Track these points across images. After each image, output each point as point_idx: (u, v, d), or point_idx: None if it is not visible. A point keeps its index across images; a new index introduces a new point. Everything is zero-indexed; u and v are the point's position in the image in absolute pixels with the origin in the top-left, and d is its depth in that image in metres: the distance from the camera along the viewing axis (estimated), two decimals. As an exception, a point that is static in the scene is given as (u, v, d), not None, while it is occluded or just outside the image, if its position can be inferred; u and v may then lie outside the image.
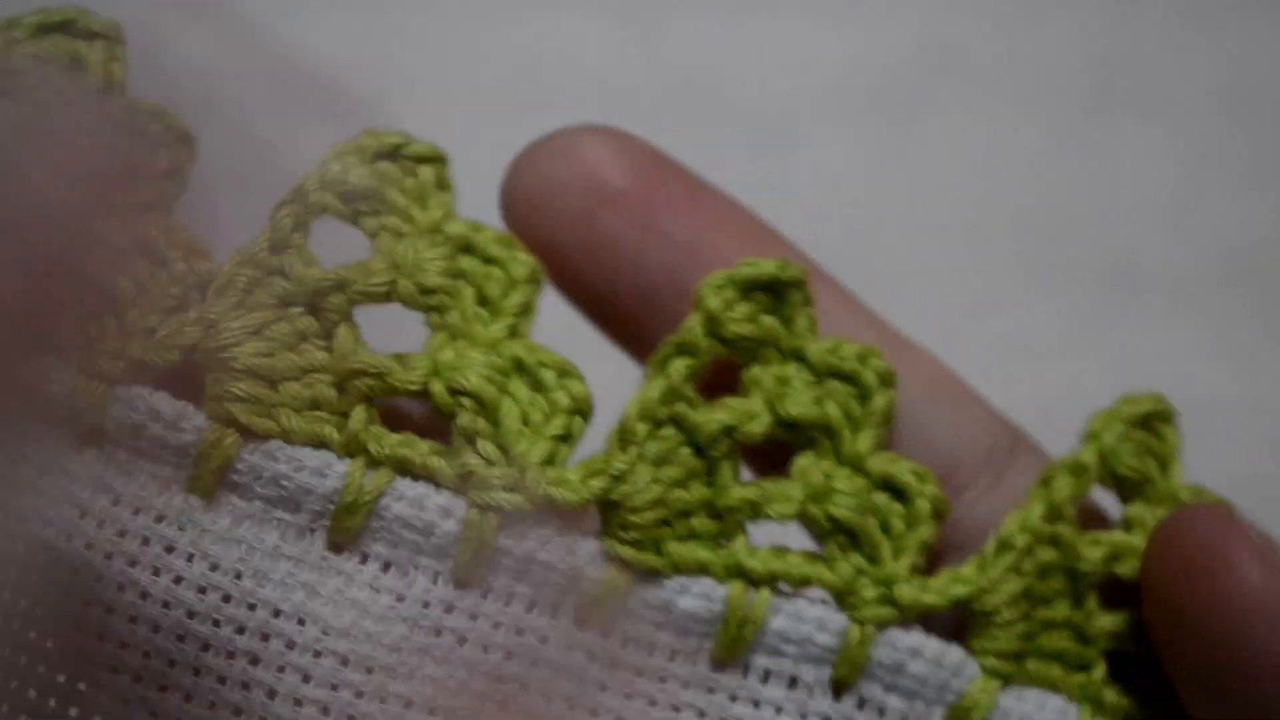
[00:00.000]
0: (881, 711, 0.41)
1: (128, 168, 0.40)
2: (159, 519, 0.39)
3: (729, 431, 0.41)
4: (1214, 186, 0.87)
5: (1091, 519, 0.45)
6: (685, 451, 0.41)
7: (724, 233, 0.44)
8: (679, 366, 0.41)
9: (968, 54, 0.89)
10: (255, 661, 0.39)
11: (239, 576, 0.39)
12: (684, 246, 0.44)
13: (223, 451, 0.39)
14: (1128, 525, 0.44)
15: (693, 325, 0.41)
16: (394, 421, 0.41)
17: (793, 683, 0.41)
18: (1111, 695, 0.43)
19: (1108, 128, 0.88)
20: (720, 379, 0.43)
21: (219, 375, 0.39)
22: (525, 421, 0.41)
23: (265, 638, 0.39)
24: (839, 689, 0.41)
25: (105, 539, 0.39)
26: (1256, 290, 0.85)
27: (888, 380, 0.43)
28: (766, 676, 0.41)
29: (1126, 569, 0.43)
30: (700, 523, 0.41)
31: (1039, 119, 0.88)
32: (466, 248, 0.42)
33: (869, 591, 0.41)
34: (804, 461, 0.42)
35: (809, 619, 0.41)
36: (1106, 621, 0.43)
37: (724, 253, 0.43)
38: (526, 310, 0.42)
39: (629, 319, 0.45)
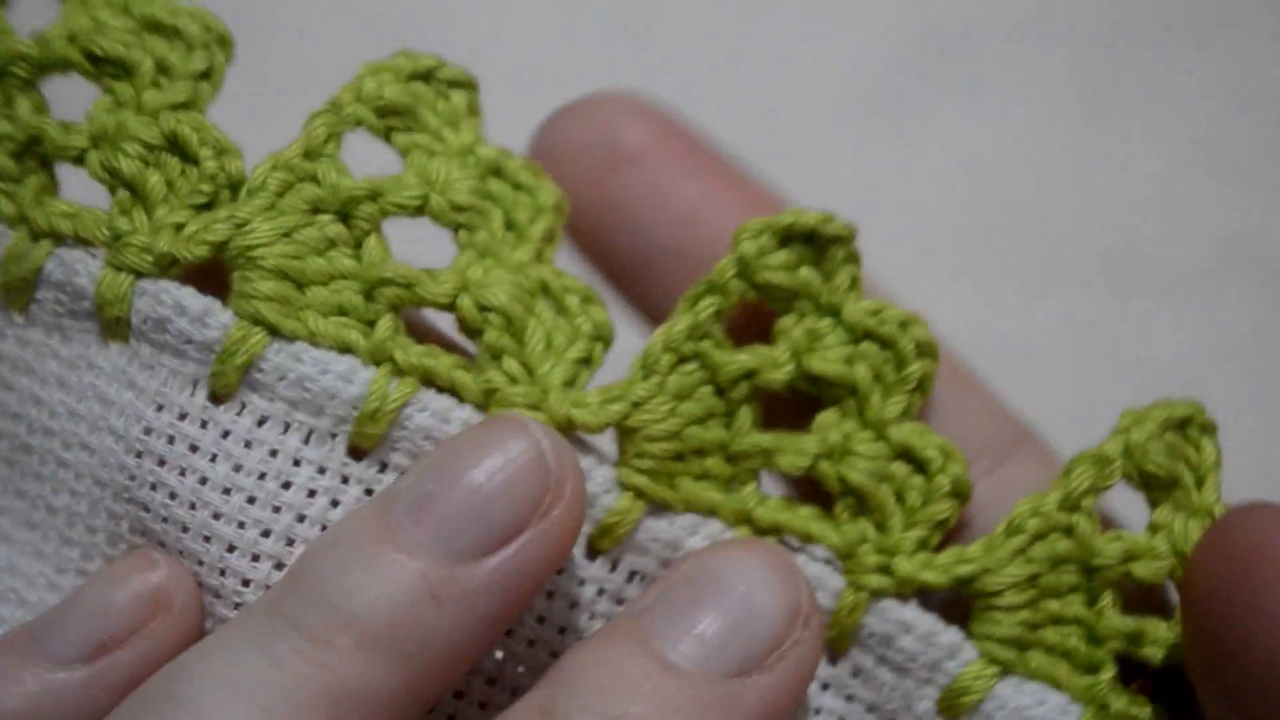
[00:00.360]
0: (874, 682, 0.41)
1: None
2: (182, 416, 0.39)
3: (750, 375, 0.41)
4: (1213, 186, 0.87)
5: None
6: (706, 390, 0.41)
7: (731, 200, 0.45)
8: (707, 304, 0.41)
9: (966, 54, 0.89)
10: (280, 566, 0.39)
11: (263, 477, 0.39)
12: (689, 210, 0.45)
13: (249, 348, 0.39)
14: (1153, 529, 0.42)
15: (725, 267, 0.41)
16: (419, 336, 0.41)
17: None
18: (1119, 701, 0.41)
19: (1106, 128, 0.88)
20: (759, 327, 0.43)
21: (247, 273, 0.39)
22: (549, 343, 0.41)
23: (290, 542, 0.39)
24: (834, 653, 0.41)
25: (134, 436, 0.39)
26: (1256, 289, 0.85)
27: (927, 351, 0.42)
28: None
29: (1145, 570, 0.41)
30: (715, 464, 0.41)
31: (1038, 119, 0.89)
32: (496, 171, 0.42)
33: (870, 558, 0.41)
34: (825, 418, 0.42)
35: (807, 575, 0.41)
36: (1121, 624, 0.41)
37: (728, 219, 0.43)
38: (551, 237, 0.42)
39: (635, 278, 0.45)
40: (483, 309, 0.40)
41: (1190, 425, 0.43)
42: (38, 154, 0.41)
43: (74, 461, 0.41)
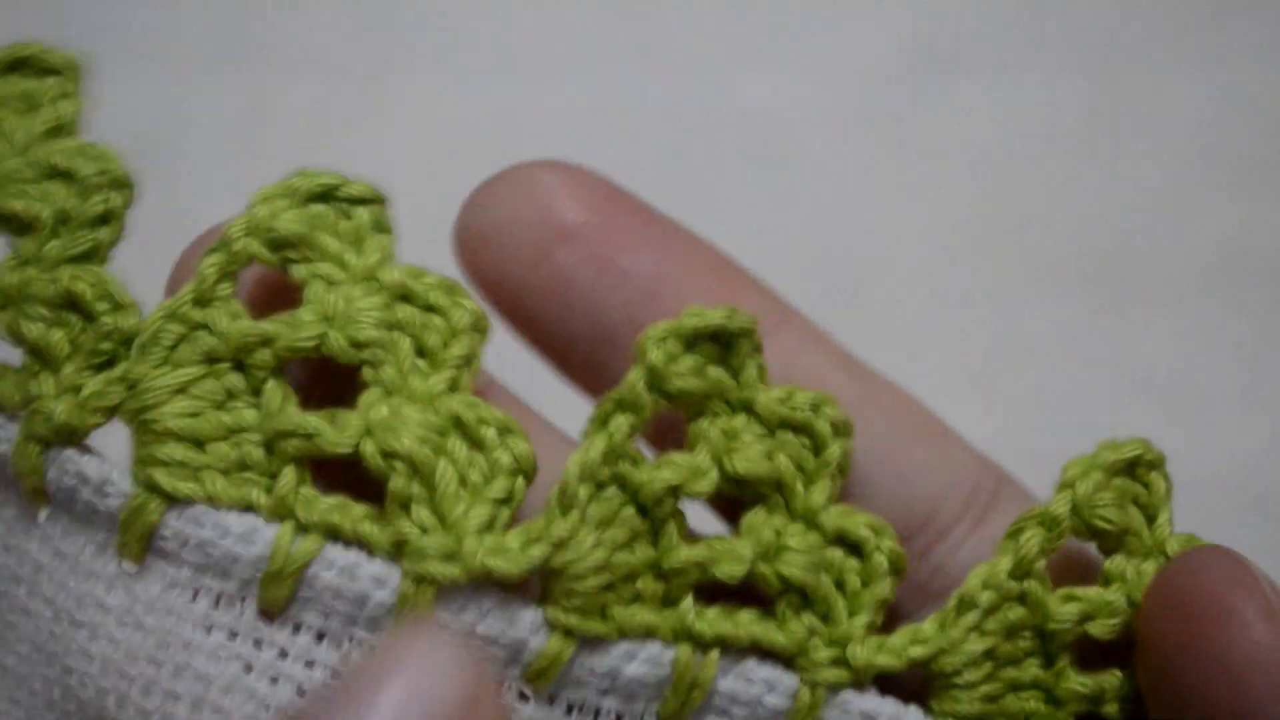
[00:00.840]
0: None
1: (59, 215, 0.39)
2: (109, 587, 0.38)
3: (674, 491, 0.39)
4: (1213, 189, 0.87)
5: (1073, 566, 0.42)
6: (629, 511, 0.39)
7: (686, 270, 0.42)
8: (621, 424, 0.39)
9: (964, 57, 0.89)
10: None
11: (167, 646, 0.38)
12: (644, 285, 0.42)
13: (145, 518, 0.38)
14: (1106, 579, 0.41)
15: (635, 380, 0.39)
16: (335, 473, 0.39)
17: None
18: None
19: (1106, 130, 0.88)
20: (667, 420, 0.41)
21: (143, 438, 0.38)
22: (464, 482, 0.38)
23: (199, 708, 0.38)
24: None
25: (62, 601, 0.39)
26: (1254, 293, 0.85)
27: (843, 430, 0.40)
28: None
29: (1101, 629, 0.41)
30: (646, 584, 0.39)
31: (1038, 119, 0.89)
32: (405, 296, 0.40)
33: (821, 653, 0.39)
34: (754, 518, 0.40)
35: (758, 680, 0.39)
36: (1080, 684, 0.41)
37: (686, 291, 0.41)
38: (469, 361, 0.40)
39: (587, 361, 0.43)
40: (387, 455, 0.38)
41: (1138, 465, 0.41)
42: None
43: (17, 624, 0.40)
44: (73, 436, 0.38)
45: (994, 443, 0.47)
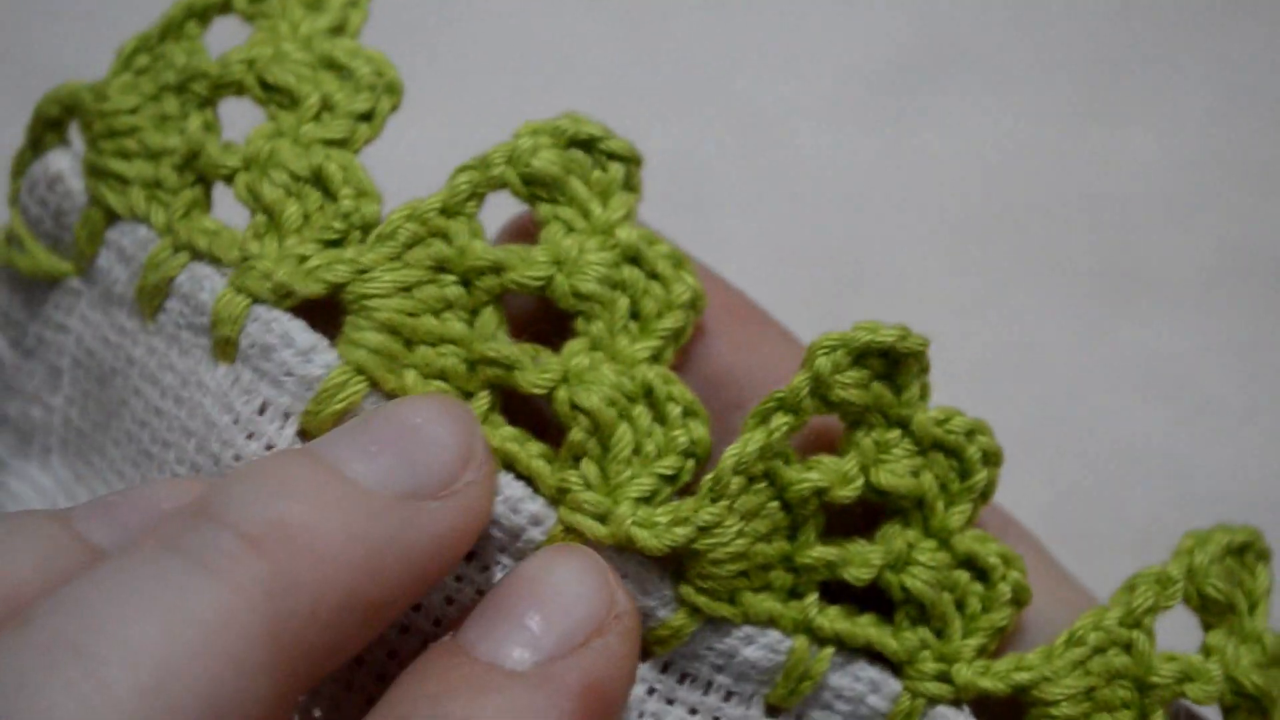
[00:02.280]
0: None
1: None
2: (269, 447, 0.39)
3: (820, 493, 0.40)
4: (1214, 187, 0.87)
5: None
6: (774, 506, 0.40)
7: (710, 313, 0.43)
8: (780, 423, 0.40)
9: (967, 53, 0.89)
10: None
11: None
12: None
13: (346, 396, 0.39)
14: (1207, 651, 0.43)
15: (800, 384, 0.40)
16: (524, 399, 0.41)
17: None
18: None
19: (1107, 127, 0.88)
20: (816, 432, 0.42)
21: (359, 320, 0.39)
22: (638, 450, 0.40)
23: None
24: None
25: (226, 461, 0.40)
26: (1256, 289, 0.85)
27: (992, 459, 0.42)
28: None
29: (1199, 693, 0.42)
30: (777, 576, 0.41)
31: (1038, 119, 0.89)
32: (634, 258, 0.41)
33: (929, 666, 0.41)
34: (890, 528, 0.41)
35: (864, 679, 0.41)
36: None
37: (707, 322, 0.43)
38: (678, 336, 0.41)
39: None
40: (574, 407, 0.40)
41: (1248, 551, 0.43)
42: (196, 169, 0.42)
43: (182, 476, 0.41)
44: (285, 299, 0.40)
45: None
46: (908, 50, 0.89)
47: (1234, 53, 0.89)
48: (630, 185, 0.42)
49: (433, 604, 0.39)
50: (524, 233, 0.43)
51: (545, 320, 0.42)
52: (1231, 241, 0.85)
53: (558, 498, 0.39)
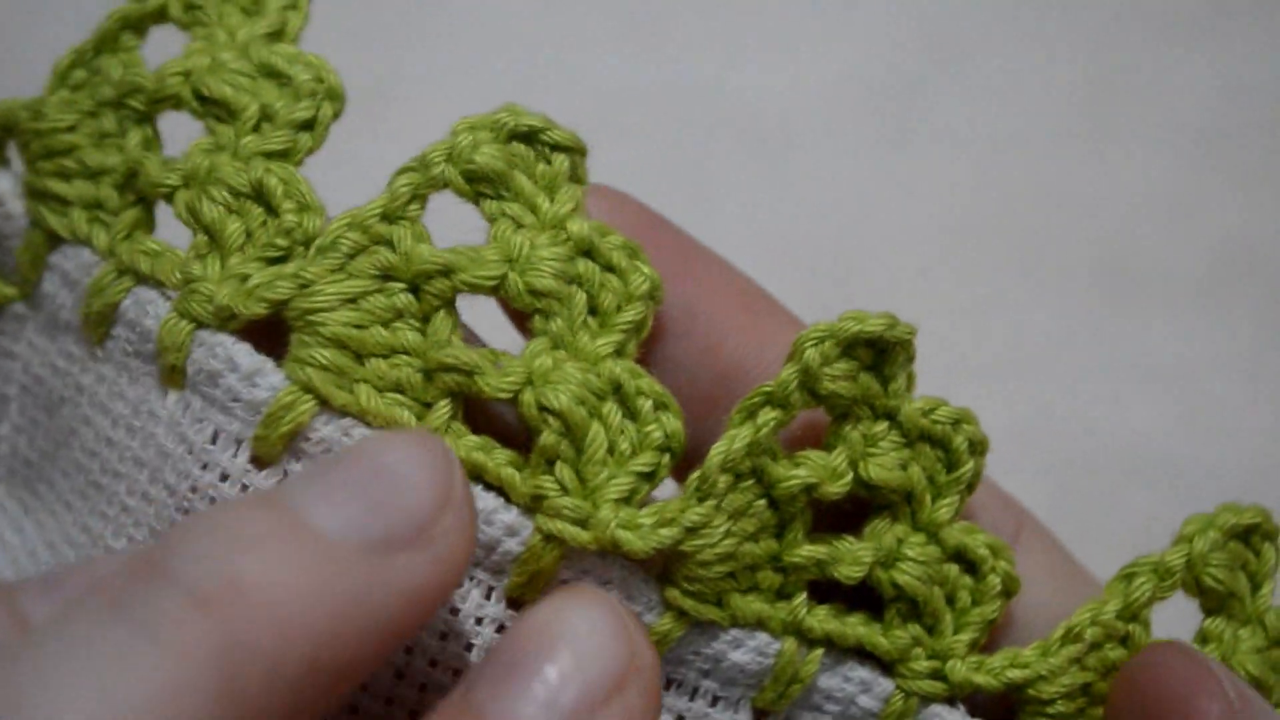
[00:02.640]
0: None
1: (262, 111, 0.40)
2: (223, 477, 0.38)
3: (809, 489, 0.39)
4: (1213, 188, 0.87)
5: None
6: (761, 504, 0.39)
7: (719, 297, 0.42)
8: (768, 419, 0.39)
9: (967, 56, 0.89)
10: None
11: None
12: (679, 310, 0.42)
13: (295, 416, 0.38)
14: (1204, 638, 0.42)
15: (788, 378, 0.39)
16: (482, 407, 0.39)
17: None
18: None
19: (1106, 130, 0.88)
20: (802, 426, 0.41)
21: (304, 337, 0.38)
22: (612, 450, 0.38)
23: None
24: None
25: (182, 492, 0.38)
26: (1255, 290, 0.84)
27: (978, 448, 0.41)
28: None
29: None
30: (765, 576, 0.39)
31: (1038, 120, 0.88)
32: (588, 251, 0.40)
33: (921, 664, 0.40)
34: (879, 524, 0.40)
35: (855, 679, 0.40)
36: None
37: (719, 317, 0.42)
38: (639, 328, 0.40)
39: None
40: (542, 409, 0.38)
41: (1255, 533, 0.42)
42: (137, 188, 0.40)
43: (134, 508, 0.40)
44: (229, 322, 0.38)
45: (994, 440, 0.47)
46: (907, 51, 0.89)
47: (1233, 53, 0.88)
48: (576, 177, 0.41)
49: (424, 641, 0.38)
50: None
51: None
52: (1231, 241, 0.85)
53: (533, 505, 0.38)
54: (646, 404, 0.39)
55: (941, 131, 0.87)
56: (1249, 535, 0.42)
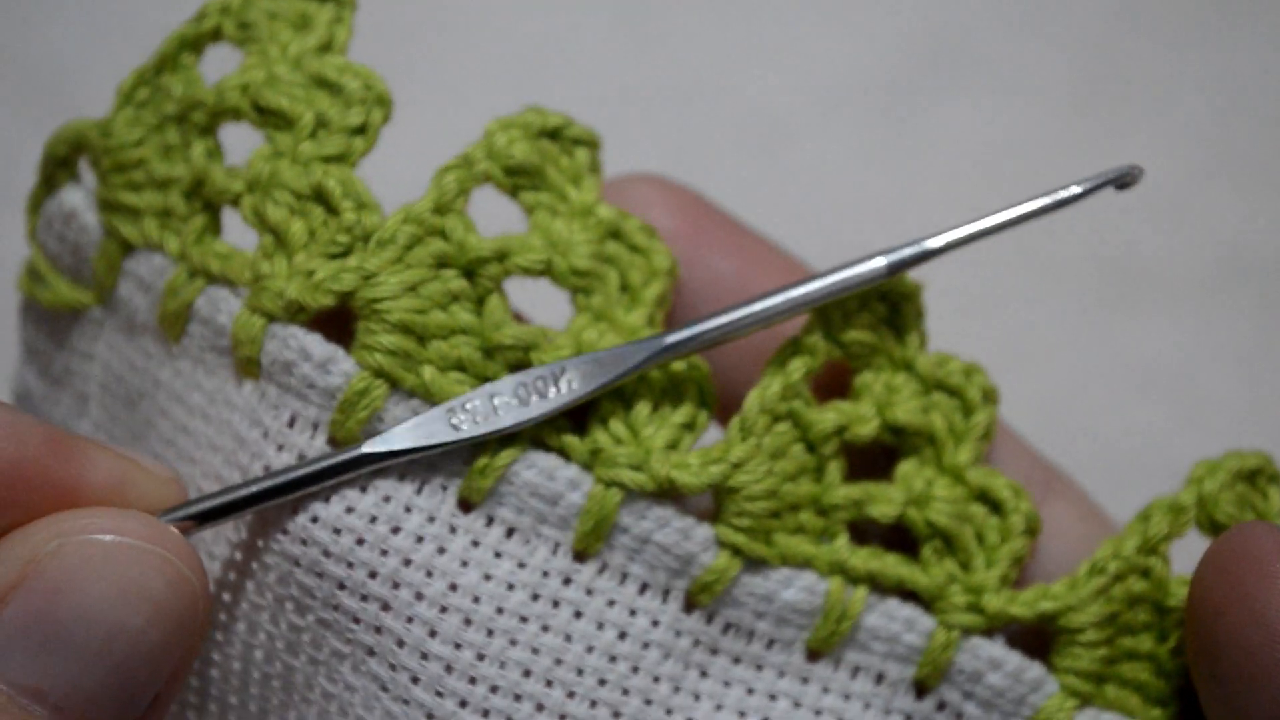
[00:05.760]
0: (959, 716, 0.43)
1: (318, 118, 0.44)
2: (300, 457, 0.41)
3: (840, 431, 0.43)
4: (1214, 189, 0.87)
5: None
6: (798, 447, 0.43)
7: (765, 270, 0.46)
8: (798, 365, 0.43)
9: (966, 53, 0.89)
10: (386, 608, 0.41)
11: (373, 520, 0.41)
12: (729, 283, 0.46)
13: (370, 401, 0.41)
14: None
15: (810, 327, 0.43)
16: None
17: (879, 679, 0.43)
18: None
19: (1107, 129, 0.88)
20: (828, 383, 0.45)
21: (371, 325, 0.41)
22: (655, 407, 0.43)
23: (395, 585, 0.41)
24: (921, 689, 0.43)
25: (256, 470, 0.42)
26: (1255, 290, 0.85)
27: (991, 397, 0.45)
28: (855, 671, 0.43)
29: None
30: (807, 518, 0.43)
31: (1038, 120, 0.89)
32: (614, 233, 0.44)
33: (959, 598, 0.43)
34: (907, 467, 0.44)
35: (899, 618, 0.43)
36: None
37: (766, 288, 0.45)
38: (663, 302, 0.44)
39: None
40: None
41: (1260, 475, 0.45)
42: (203, 195, 0.44)
43: (206, 490, 0.43)
44: (298, 314, 0.42)
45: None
46: (908, 50, 0.89)
47: (1233, 54, 0.89)
48: (594, 168, 0.45)
49: (470, 580, 0.41)
50: None
51: None
52: (1231, 241, 0.85)
53: (591, 460, 0.42)
54: (680, 365, 0.43)
55: (941, 131, 0.87)
56: (1254, 477, 0.45)
